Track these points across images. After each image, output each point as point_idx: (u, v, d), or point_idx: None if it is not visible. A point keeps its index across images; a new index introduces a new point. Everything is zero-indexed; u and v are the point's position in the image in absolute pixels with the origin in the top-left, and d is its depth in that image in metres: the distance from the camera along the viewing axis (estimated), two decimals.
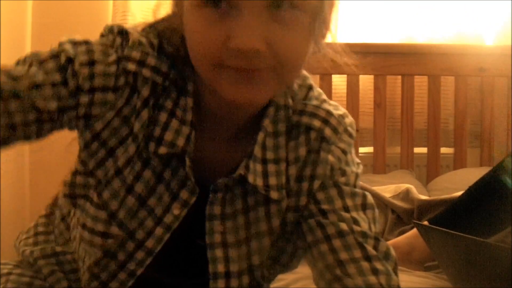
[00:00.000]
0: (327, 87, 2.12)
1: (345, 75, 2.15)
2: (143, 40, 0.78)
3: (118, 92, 0.77)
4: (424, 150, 2.16)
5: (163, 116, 0.78)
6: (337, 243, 0.79)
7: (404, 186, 1.70)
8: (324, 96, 0.88)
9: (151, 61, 0.77)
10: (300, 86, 0.85)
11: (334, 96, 2.16)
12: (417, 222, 1.20)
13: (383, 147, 2.14)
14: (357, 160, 0.89)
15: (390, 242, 1.46)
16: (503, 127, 2.17)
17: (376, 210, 0.86)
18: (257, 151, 0.80)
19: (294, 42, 0.71)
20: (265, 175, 0.80)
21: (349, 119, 0.87)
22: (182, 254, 0.86)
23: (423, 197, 1.64)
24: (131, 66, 0.76)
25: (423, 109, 2.19)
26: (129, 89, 0.77)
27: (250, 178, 0.79)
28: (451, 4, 2.22)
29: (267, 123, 0.81)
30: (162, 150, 0.78)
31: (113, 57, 0.76)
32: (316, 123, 0.83)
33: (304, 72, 0.86)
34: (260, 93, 0.72)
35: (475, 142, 2.22)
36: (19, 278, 0.91)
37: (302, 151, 0.83)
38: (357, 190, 0.85)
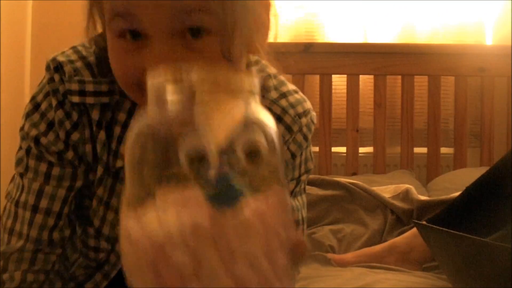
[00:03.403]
0: (327, 87, 2.12)
1: (345, 75, 2.15)
2: (78, 65, 0.79)
3: (79, 126, 0.80)
4: (424, 150, 2.16)
5: (117, 130, 0.80)
6: None
7: (404, 186, 1.70)
8: (286, 87, 0.85)
9: (90, 87, 0.78)
10: (258, 72, 0.83)
11: (334, 96, 2.16)
12: (417, 221, 1.20)
13: (383, 147, 2.14)
14: (309, 164, 0.87)
15: (388, 243, 1.46)
16: (503, 127, 2.17)
17: (301, 225, 0.86)
18: None
19: None
20: None
21: (307, 119, 0.85)
22: None
23: (423, 198, 1.64)
24: (75, 99, 0.78)
25: (423, 109, 2.19)
26: (87, 117, 0.80)
27: None
28: (451, 3, 2.23)
29: None
30: (119, 163, 0.80)
31: (55, 101, 0.79)
32: None
33: (264, 62, 0.84)
34: None
35: (475, 142, 2.22)
36: None
37: None
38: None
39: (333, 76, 2.14)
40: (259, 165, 0.43)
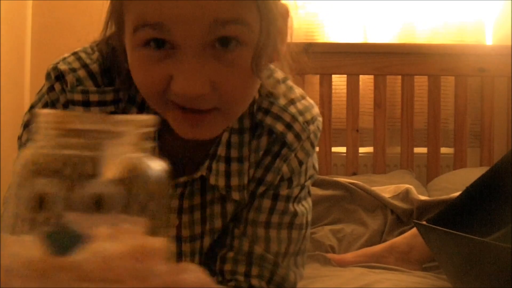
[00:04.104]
0: (327, 87, 2.12)
1: (345, 75, 2.15)
2: (81, 74, 0.76)
3: None
4: (424, 150, 2.16)
5: None
6: (228, 266, 0.83)
7: (404, 186, 1.70)
8: (294, 93, 0.84)
9: (94, 97, 0.76)
10: (267, 78, 0.82)
11: (334, 96, 2.16)
12: (417, 221, 1.20)
13: (383, 147, 2.14)
14: (313, 170, 0.88)
15: (388, 242, 1.46)
16: (503, 127, 2.17)
17: (305, 230, 0.86)
18: (221, 150, 0.80)
19: (240, 81, 0.68)
20: (228, 175, 0.80)
21: (314, 126, 0.85)
22: None
23: (423, 198, 1.64)
24: (79, 109, 0.75)
25: (423, 109, 2.19)
26: None
27: (212, 180, 0.80)
28: (451, 3, 2.23)
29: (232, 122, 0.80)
30: None
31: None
32: (279, 127, 0.81)
33: (272, 66, 0.83)
34: (206, 131, 0.71)
35: (475, 142, 2.22)
36: None
37: (262, 154, 0.83)
38: (290, 208, 0.84)
39: (333, 76, 2.14)
40: (108, 210, 0.42)
